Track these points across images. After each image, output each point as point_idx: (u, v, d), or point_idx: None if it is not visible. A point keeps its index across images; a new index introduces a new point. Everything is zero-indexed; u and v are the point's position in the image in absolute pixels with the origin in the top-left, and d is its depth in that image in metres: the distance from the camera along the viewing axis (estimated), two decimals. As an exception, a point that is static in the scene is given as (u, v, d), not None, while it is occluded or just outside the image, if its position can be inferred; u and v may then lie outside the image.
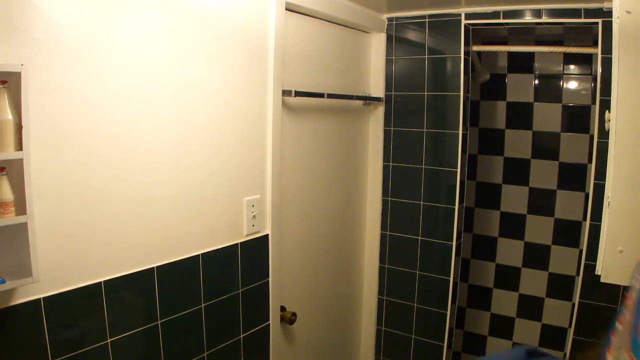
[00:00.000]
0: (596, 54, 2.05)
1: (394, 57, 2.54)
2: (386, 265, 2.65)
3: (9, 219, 1.08)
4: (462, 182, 2.46)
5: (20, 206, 1.10)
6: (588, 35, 2.44)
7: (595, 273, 1.90)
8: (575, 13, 2.10)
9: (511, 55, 2.81)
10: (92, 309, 1.33)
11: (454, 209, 2.44)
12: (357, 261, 2.66)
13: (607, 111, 1.83)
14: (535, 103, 2.79)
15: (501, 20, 2.28)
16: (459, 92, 2.37)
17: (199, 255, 1.63)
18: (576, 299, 2.10)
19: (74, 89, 1.25)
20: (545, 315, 2.84)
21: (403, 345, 2.65)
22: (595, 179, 2.03)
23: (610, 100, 1.73)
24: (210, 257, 1.66)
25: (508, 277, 2.94)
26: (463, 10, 2.32)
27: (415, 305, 2.58)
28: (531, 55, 2.76)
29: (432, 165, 2.49)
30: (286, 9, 1.88)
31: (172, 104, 1.50)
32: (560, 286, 2.77)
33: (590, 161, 2.37)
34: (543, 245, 2.82)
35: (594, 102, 2.49)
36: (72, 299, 1.27)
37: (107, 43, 1.31)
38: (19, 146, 1.07)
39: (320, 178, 2.28)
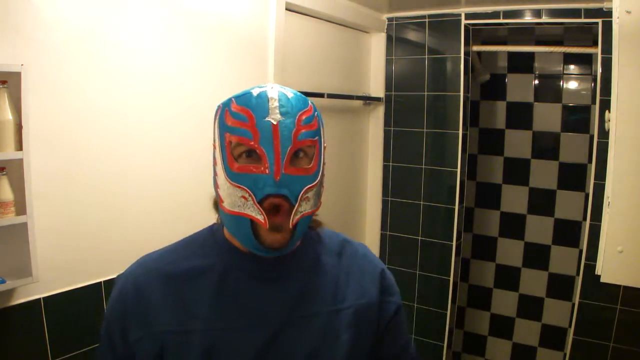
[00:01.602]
0: (596, 54, 2.05)
1: (394, 57, 2.54)
2: (386, 266, 2.65)
3: (9, 219, 1.08)
4: (462, 182, 2.46)
5: (20, 206, 1.10)
6: (588, 35, 2.44)
7: (595, 273, 1.90)
8: (575, 13, 2.10)
9: (511, 55, 2.81)
10: (92, 309, 1.33)
11: (454, 209, 2.44)
12: (357, 261, 2.66)
13: (607, 111, 1.83)
14: (535, 103, 2.79)
15: (501, 20, 2.28)
16: (459, 92, 2.37)
17: (199, 255, 1.63)
18: (576, 299, 2.10)
19: (74, 89, 1.25)
20: (545, 315, 2.84)
21: (403, 345, 2.64)
22: (595, 179, 2.03)
23: (610, 100, 1.73)
24: (210, 257, 1.66)
25: (508, 277, 2.94)
26: (463, 10, 2.32)
27: (415, 305, 2.58)
28: (531, 55, 2.76)
29: (432, 165, 2.49)
30: (286, 9, 1.88)
31: (172, 105, 1.50)
32: (560, 286, 2.77)
33: (590, 161, 2.37)
34: (543, 245, 2.82)
35: (594, 102, 2.49)
36: (72, 299, 1.27)
37: (107, 43, 1.31)
38: (19, 146, 1.08)
39: (320, 178, 2.28)
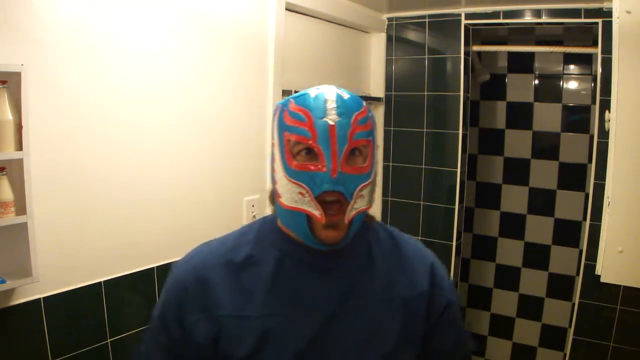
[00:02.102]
0: (596, 54, 2.05)
1: (394, 57, 2.54)
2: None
3: (9, 219, 1.08)
4: (462, 182, 2.46)
5: (20, 206, 1.10)
6: (588, 35, 2.44)
7: (595, 273, 1.90)
8: (575, 13, 2.10)
9: (511, 55, 2.81)
10: (92, 308, 1.33)
11: (454, 209, 2.44)
12: (357, 261, 2.65)
13: (607, 111, 1.83)
14: (535, 103, 2.79)
15: (501, 20, 2.28)
16: (459, 92, 2.37)
17: (199, 255, 1.63)
18: (576, 299, 2.10)
19: (74, 89, 1.25)
20: (545, 315, 2.84)
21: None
22: (595, 179, 2.03)
23: (610, 100, 1.73)
24: (210, 257, 1.66)
25: (508, 277, 2.94)
26: (463, 10, 2.32)
27: (415, 305, 2.58)
28: (531, 55, 2.76)
29: (432, 165, 2.49)
30: (286, 9, 1.88)
31: (172, 105, 1.50)
32: (560, 286, 2.77)
33: (590, 161, 2.37)
34: (543, 245, 2.82)
35: (594, 102, 2.49)
36: (72, 299, 1.27)
37: (107, 43, 1.31)
38: (19, 146, 1.08)
39: (320, 178, 2.28)
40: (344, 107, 0.77)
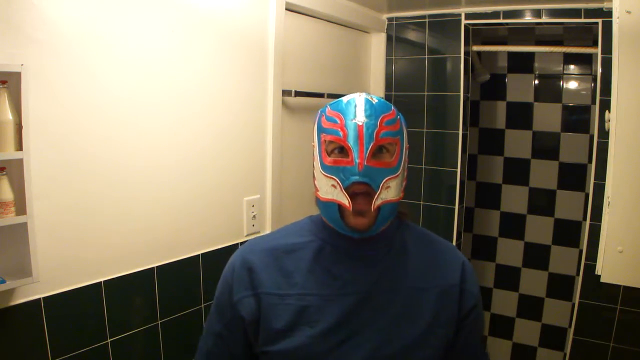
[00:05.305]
0: (596, 54, 2.05)
1: (394, 57, 2.54)
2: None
3: (9, 219, 1.08)
4: (462, 182, 2.46)
5: (20, 206, 1.10)
6: (588, 35, 2.44)
7: (595, 273, 1.90)
8: (575, 13, 2.10)
9: (511, 55, 2.81)
10: (92, 309, 1.33)
11: (454, 209, 2.44)
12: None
13: (607, 111, 1.83)
14: (535, 103, 2.79)
15: (501, 20, 2.28)
16: (459, 92, 2.37)
17: (199, 255, 1.63)
18: (576, 299, 2.10)
19: (74, 89, 1.24)
20: (545, 315, 2.84)
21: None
22: (595, 179, 2.03)
23: (610, 100, 1.73)
24: (211, 257, 1.66)
25: (508, 277, 2.94)
26: (463, 10, 2.32)
27: (415, 305, 2.58)
28: (531, 55, 2.76)
29: (432, 165, 2.49)
30: (286, 9, 1.88)
31: (172, 105, 1.50)
32: (560, 286, 2.77)
33: (590, 161, 2.37)
34: (543, 245, 2.82)
35: (594, 102, 2.49)
36: (72, 299, 1.27)
37: (107, 43, 1.31)
38: (19, 146, 1.07)
39: (320, 178, 2.28)
40: (371, 110, 0.87)
